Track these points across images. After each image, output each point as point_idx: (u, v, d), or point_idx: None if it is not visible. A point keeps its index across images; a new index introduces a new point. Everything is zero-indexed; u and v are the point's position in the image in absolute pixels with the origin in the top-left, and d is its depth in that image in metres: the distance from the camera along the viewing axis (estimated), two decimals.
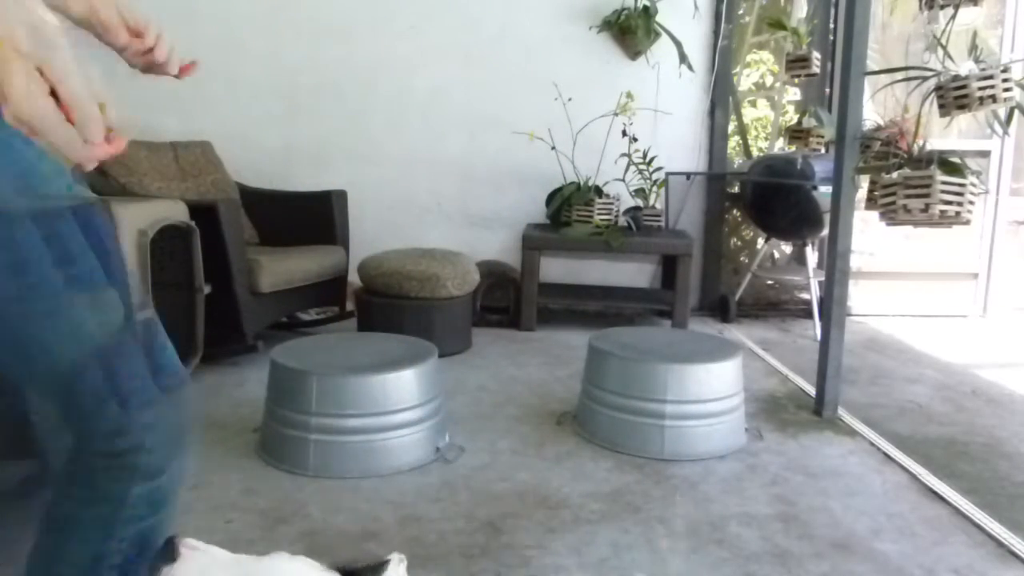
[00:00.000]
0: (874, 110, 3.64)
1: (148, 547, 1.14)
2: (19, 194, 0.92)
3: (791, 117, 4.64)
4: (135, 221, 2.64)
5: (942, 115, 2.46)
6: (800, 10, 4.56)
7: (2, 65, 0.71)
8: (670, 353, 2.57)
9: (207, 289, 3.02)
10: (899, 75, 2.62)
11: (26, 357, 1.04)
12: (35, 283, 0.94)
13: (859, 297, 4.54)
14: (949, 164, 2.42)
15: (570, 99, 4.09)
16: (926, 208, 2.36)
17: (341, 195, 3.80)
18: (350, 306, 3.83)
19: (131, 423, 1.06)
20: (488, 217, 4.29)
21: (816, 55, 3.75)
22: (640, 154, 4.14)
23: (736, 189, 4.57)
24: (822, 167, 3.86)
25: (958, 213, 2.37)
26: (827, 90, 4.56)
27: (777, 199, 4.14)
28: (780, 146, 4.60)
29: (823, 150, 3.91)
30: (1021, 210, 4.80)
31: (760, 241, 4.62)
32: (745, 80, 4.74)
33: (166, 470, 1.15)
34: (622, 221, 4.19)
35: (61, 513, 1.16)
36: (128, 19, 1.13)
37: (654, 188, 4.23)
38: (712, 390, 2.50)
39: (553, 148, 4.14)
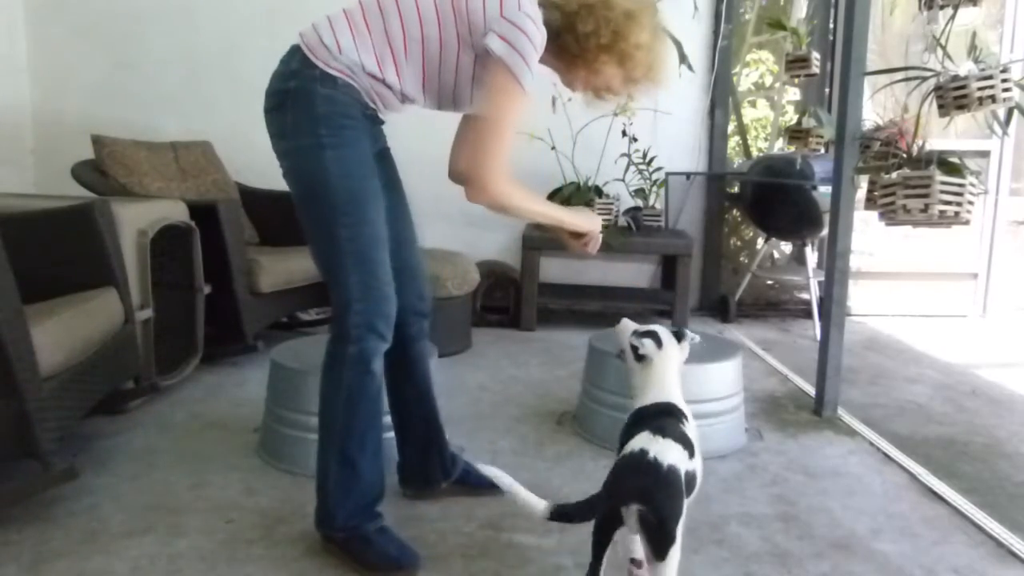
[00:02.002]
0: (873, 110, 3.64)
1: None
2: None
3: (791, 117, 4.64)
4: (135, 221, 2.64)
5: (941, 115, 2.46)
6: (800, 10, 4.56)
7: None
8: None
9: (207, 289, 3.02)
10: (899, 75, 2.62)
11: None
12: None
13: (859, 297, 4.54)
14: (948, 164, 2.42)
15: (570, 99, 4.07)
16: (925, 208, 2.36)
17: None
18: None
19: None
20: (488, 217, 4.27)
21: (816, 55, 3.74)
22: (640, 154, 4.14)
23: (736, 189, 4.57)
24: (822, 167, 3.86)
25: (957, 213, 2.37)
26: (827, 90, 4.56)
27: (777, 199, 4.14)
28: (780, 146, 4.60)
29: (823, 150, 3.91)
30: (1021, 210, 4.81)
31: (760, 241, 4.62)
32: (745, 80, 4.74)
33: None
34: (622, 221, 4.19)
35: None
36: (579, 225, 1.90)
37: (654, 188, 4.23)
38: (712, 390, 2.50)
39: (553, 148, 4.14)
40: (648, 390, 1.70)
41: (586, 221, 1.88)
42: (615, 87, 1.77)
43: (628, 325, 1.80)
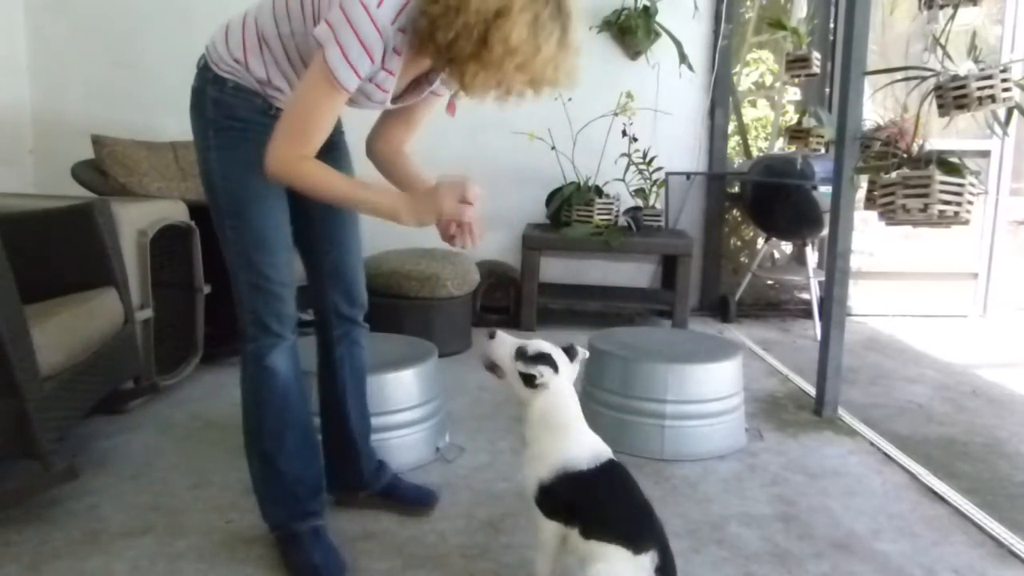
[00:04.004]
0: (874, 110, 3.64)
1: None
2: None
3: (791, 117, 4.64)
4: (135, 221, 2.64)
5: (941, 115, 2.46)
6: (800, 10, 4.56)
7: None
8: (670, 353, 2.57)
9: (207, 289, 3.02)
10: (899, 75, 2.62)
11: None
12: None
13: (859, 297, 4.54)
14: (948, 164, 2.42)
15: (570, 99, 4.08)
16: (925, 208, 2.36)
17: None
18: None
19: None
20: (488, 217, 4.26)
21: (816, 55, 3.74)
22: (640, 154, 4.14)
23: (736, 189, 4.57)
24: (822, 167, 3.86)
25: (957, 213, 2.37)
26: (827, 90, 4.56)
27: (777, 199, 4.13)
28: (780, 146, 4.60)
29: (823, 150, 3.91)
30: (1021, 210, 4.80)
31: (760, 241, 4.62)
32: (745, 80, 4.74)
33: None
34: (622, 221, 4.19)
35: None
36: (404, 218, 1.66)
37: (654, 188, 4.23)
38: (712, 390, 2.50)
39: (553, 148, 4.14)
40: (559, 430, 1.53)
41: (406, 206, 1.62)
42: (506, 94, 1.51)
43: (505, 340, 1.59)
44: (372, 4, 1.42)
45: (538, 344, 1.57)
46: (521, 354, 1.55)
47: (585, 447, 1.52)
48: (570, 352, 1.59)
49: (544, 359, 1.53)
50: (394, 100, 1.67)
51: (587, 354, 1.64)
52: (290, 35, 1.60)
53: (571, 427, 1.55)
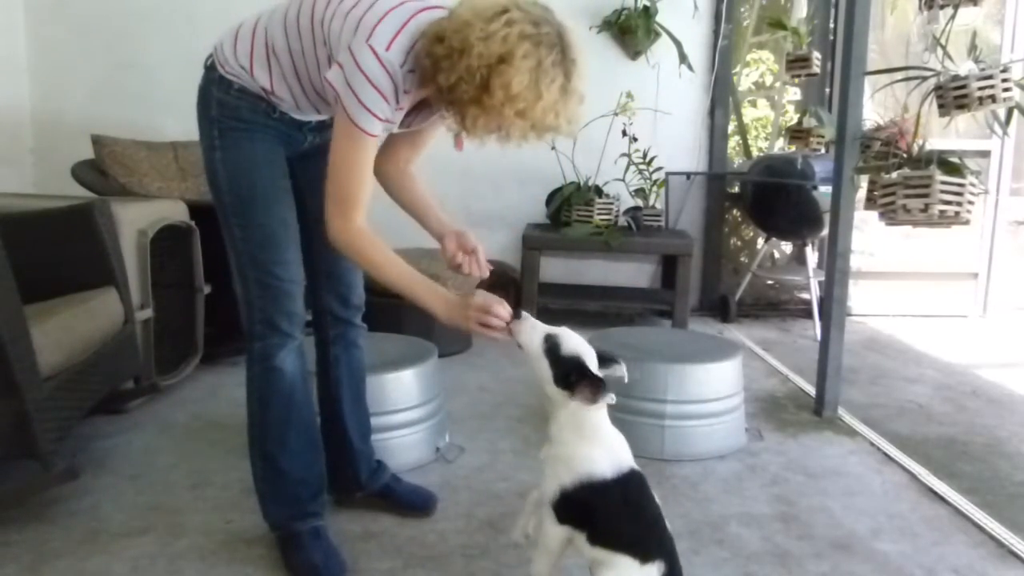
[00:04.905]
0: (874, 110, 3.64)
1: None
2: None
3: (791, 117, 4.64)
4: (135, 221, 2.64)
5: (941, 115, 2.46)
6: (800, 10, 4.56)
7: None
8: (670, 353, 2.57)
9: (207, 289, 3.02)
10: (899, 75, 2.62)
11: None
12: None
13: (859, 297, 4.54)
14: (949, 164, 2.42)
15: None
16: (926, 208, 2.36)
17: None
18: None
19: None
20: (488, 217, 4.28)
21: (816, 55, 3.74)
22: (640, 154, 4.14)
23: (736, 189, 4.57)
24: (822, 167, 3.86)
25: (957, 213, 2.37)
26: (827, 90, 4.56)
27: (777, 199, 4.13)
28: (780, 146, 4.60)
29: (823, 150, 3.91)
30: (1021, 210, 4.80)
31: (760, 241, 4.62)
32: (745, 80, 4.74)
33: None
34: (622, 221, 4.19)
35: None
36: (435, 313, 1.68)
37: (654, 188, 4.23)
38: (712, 390, 2.50)
39: (553, 148, 4.13)
40: (589, 432, 1.49)
41: (445, 310, 1.64)
42: (507, 138, 1.50)
43: (535, 325, 1.54)
44: (380, 48, 1.44)
45: (573, 342, 1.48)
46: (552, 350, 1.49)
47: (610, 453, 1.48)
48: (607, 363, 1.53)
49: (580, 369, 1.45)
50: (401, 124, 1.66)
51: (625, 377, 1.54)
52: (300, 53, 1.60)
53: (600, 430, 1.49)
